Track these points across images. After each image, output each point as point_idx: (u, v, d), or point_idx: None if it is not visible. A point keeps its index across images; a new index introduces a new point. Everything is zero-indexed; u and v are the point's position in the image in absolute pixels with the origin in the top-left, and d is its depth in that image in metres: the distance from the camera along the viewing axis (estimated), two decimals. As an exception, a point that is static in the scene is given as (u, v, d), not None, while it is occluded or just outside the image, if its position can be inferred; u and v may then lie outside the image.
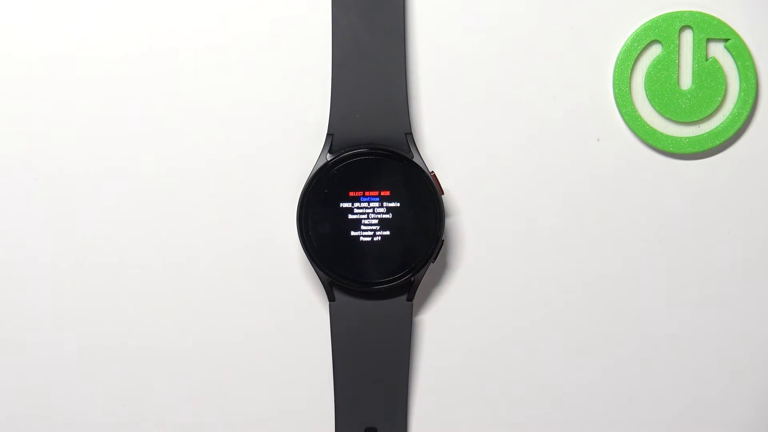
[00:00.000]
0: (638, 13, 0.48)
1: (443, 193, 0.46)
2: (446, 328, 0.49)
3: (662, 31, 0.48)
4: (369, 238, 0.45)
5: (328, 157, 0.45)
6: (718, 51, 0.48)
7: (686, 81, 0.48)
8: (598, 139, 0.48)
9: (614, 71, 0.48)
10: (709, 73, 0.48)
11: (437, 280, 0.49)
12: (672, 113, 0.48)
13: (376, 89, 0.45)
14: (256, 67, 0.47)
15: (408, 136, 0.46)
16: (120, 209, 0.47)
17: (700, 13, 0.48)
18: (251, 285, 0.48)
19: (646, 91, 0.48)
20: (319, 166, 0.45)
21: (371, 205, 0.45)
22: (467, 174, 0.48)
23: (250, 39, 0.47)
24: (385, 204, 0.45)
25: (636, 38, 0.48)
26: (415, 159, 0.45)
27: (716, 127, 0.48)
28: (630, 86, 0.48)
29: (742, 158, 0.49)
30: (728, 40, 0.48)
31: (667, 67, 0.48)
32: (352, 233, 0.45)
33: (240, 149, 0.47)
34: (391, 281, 0.45)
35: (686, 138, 0.48)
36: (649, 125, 0.48)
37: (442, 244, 0.46)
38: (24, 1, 0.47)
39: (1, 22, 0.47)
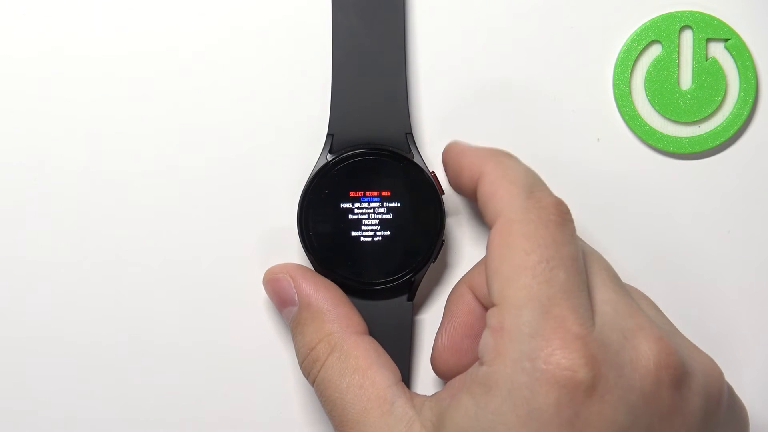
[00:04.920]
0: (638, 13, 0.48)
1: (443, 193, 0.46)
2: (446, 328, 0.49)
3: (662, 31, 0.48)
4: (369, 239, 0.45)
5: (329, 157, 0.45)
6: (718, 51, 0.48)
7: (686, 81, 0.48)
8: (598, 139, 0.48)
9: (614, 71, 0.48)
10: (709, 73, 0.48)
11: (437, 280, 0.49)
12: (672, 113, 0.48)
13: (376, 89, 0.45)
14: (256, 67, 0.47)
15: (408, 136, 0.46)
16: (119, 209, 0.47)
17: (700, 13, 0.48)
18: (251, 285, 0.48)
19: (646, 91, 0.48)
20: (319, 167, 0.45)
21: (371, 205, 0.45)
22: (467, 174, 0.48)
23: (250, 39, 0.47)
24: (385, 204, 0.45)
25: (636, 38, 0.48)
26: (416, 159, 0.45)
27: (716, 127, 0.48)
28: (630, 86, 0.48)
29: (742, 158, 0.49)
30: (728, 40, 0.48)
31: (667, 67, 0.48)
32: (353, 233, 0.45)
33: (240, 149, 0.47)
34: (391, 281, 0.45)
35: (686, 138, 0.48)
36: (649, 125, 0.48)
37: (442, 244, 0.46)
38: (25, 1, 0.47)
39: (1, 22, 0.47)
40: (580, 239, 0.41)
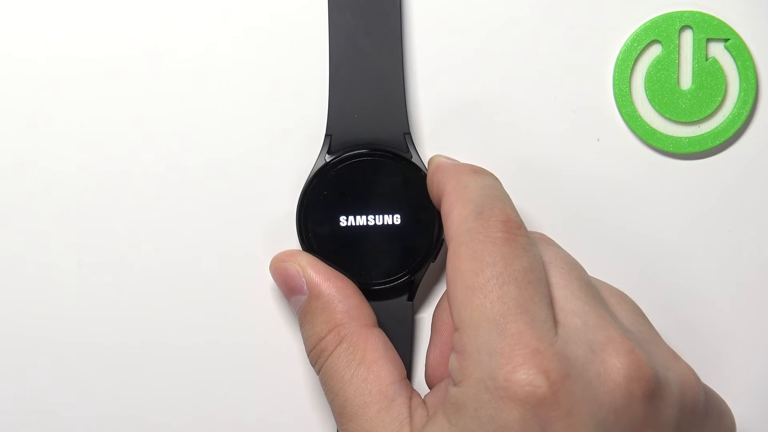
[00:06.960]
0: (638, 13, 0.48)
1: (442, 193, 0.46)
2: (446, 327, 0.49)
3: (662, 31, 0.48)
4: (369, 239, 0.45)
5: (327, 158, 0.45)
6: (718, 51, 0.48)
7: (686, 81, 0.48)
8: (598, 139, 0.48)
9: (614, 71, 0.48)
10: (709, 73, 0.48)
11: (437, 279, 0.49)
12: (672, 113, 0.48)
13: (374, 89, 0.45)
14: (254, 68, 0.47)
15: (406, 136, 0.46)
16: (119, 209, 0.48)
17: (700, 13, 0.48)
18: (251, 286, 0.48)
19: (646, 91, 0.48)
20: (318, 167, 0.45)
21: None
22: (467, 174, 0.48)
23: (248, 40, 0.47)
24: (384, 205, 0.45)
25: (636, 38, 0.48)
26: (414, 159, 0.45)
27: (716, 127, 0.48)
28: (630, 86, 0.48)
29: (742, 158, 0.48)
30: (728, 40, 0.48)
31: (667, 67, 0.48)
32: (352, 234, 0.45)
33: (239, 150, 0.47)
34: (391, 281, 0.45)
35: (686, 138, 0.48)
36: (649, 125, 0.48)
37: (441, 243, 0.46)
38: (24, 1, 0.47)
39: (1, 22, 0.47)
40: (556, 246, 0.41)
